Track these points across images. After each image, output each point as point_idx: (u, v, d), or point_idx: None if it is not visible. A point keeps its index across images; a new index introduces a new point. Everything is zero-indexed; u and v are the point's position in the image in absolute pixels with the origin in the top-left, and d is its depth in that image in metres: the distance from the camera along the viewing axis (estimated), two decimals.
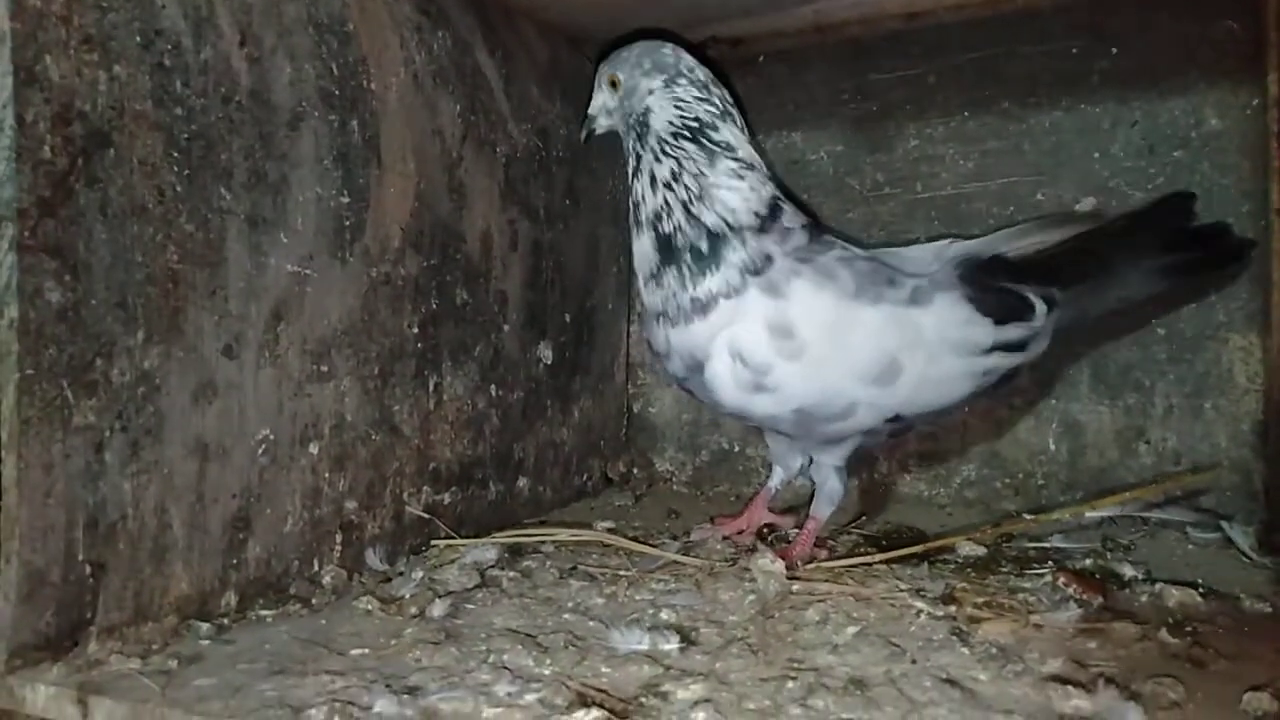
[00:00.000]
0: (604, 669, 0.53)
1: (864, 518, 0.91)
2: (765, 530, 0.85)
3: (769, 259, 0.73)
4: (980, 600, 0.62)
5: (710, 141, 0.75)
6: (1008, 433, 0.95)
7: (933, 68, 0.96)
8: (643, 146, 0.77)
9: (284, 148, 0.68)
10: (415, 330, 0.80)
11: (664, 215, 0.75)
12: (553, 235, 0.98)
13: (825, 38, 0.99)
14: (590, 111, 0.83)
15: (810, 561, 0.74)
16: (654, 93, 0.76)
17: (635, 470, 1.13)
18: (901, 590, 0.65)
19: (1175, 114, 0.87)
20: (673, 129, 0.75)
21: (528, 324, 0.94)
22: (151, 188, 0.59)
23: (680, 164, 0.75)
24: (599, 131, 0.83)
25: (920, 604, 0.62)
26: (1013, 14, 0.91)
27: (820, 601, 0.64)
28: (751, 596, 0.66)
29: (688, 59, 0.78)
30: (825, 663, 0.54)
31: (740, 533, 0.85)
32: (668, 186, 0.75)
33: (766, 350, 0.72)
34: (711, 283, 0.73)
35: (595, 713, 0.45)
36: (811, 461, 0.83)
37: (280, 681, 0.52)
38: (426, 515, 0.81)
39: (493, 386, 0.90)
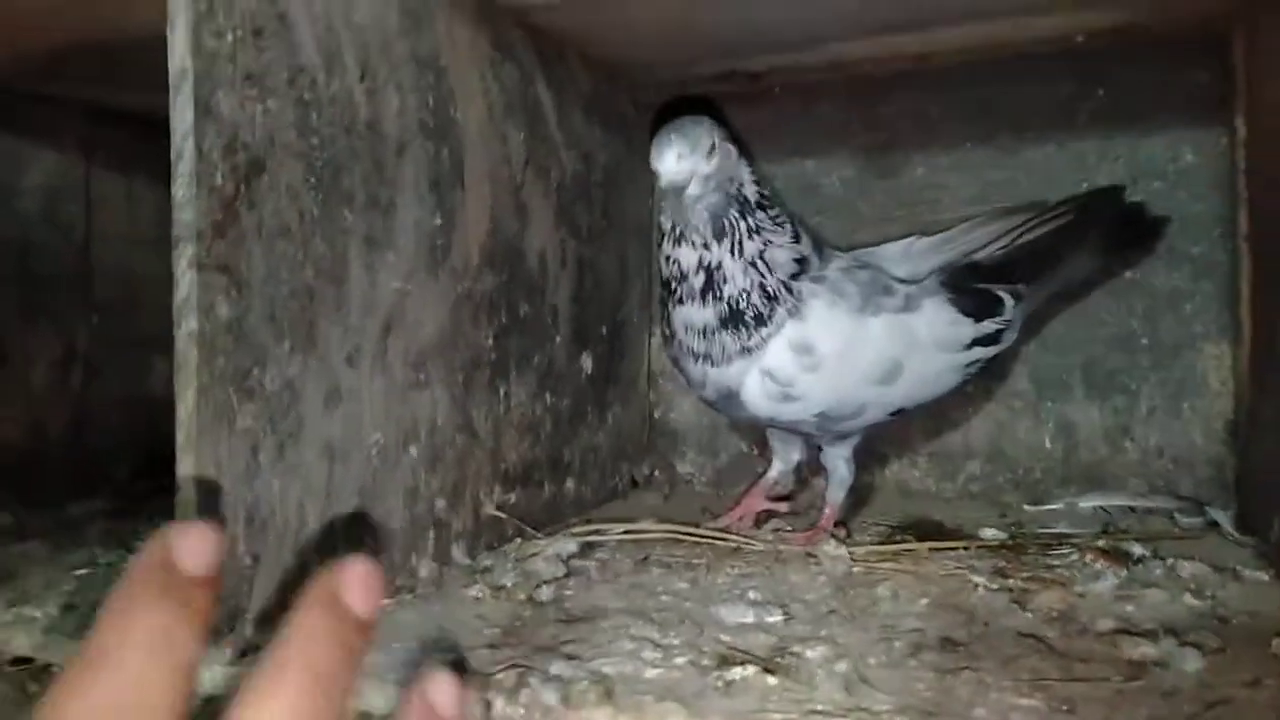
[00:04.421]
0: (724, 637, 0.60)
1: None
2: (763, 516, 0.95)
3: (801, 295, 0.81)
4: (1025, 575, 0.72)
5: (768, 201, 0.82)
6: (1009, 432, 1.05)
7: (937, 103, 1.06)
8: (740, 222, 0.78)
9: (392, 173, 0.73)
10: (490, 341, 0.86)
11: (745, 295, 0.79)
12: (592, 252, 1.05)
13: (839, 74, 1.08)
14: (678, 178, 0.76)
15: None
16: (736, 160, 0.80)
17: (657, 473, 1.20)
18: (957, 569, 0.74)
19: (1155, 150, 0.99)
20: (757, 197, 0.80)
21: (574, 336, 1.01)
22: (294, 211, 0.64)
23: (764, 238, 0.79)
24: (692, 198, 0.77)
25: (977, 579, 0.71)
26: (1012, 58, 1.01)
27: (885, 580, 0.73)
28: (822, 577, 0.74)
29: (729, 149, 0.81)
30: (913, 626, 0.62)
31: (740, 519, 0.94)
32: (753, 265, 0.78)
33: (792, 367, 0.81)
34: (761, 334, 0.80)
35: (750, 668, 0.52)
36: (820, 451, 0.92)
37: (443, 656, 0.57)
38: (501, 514, 0.87)
39: (547, 394, 0.96)
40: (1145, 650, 0.56)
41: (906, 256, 0.89)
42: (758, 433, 1.15)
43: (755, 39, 1.00)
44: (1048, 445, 1.04)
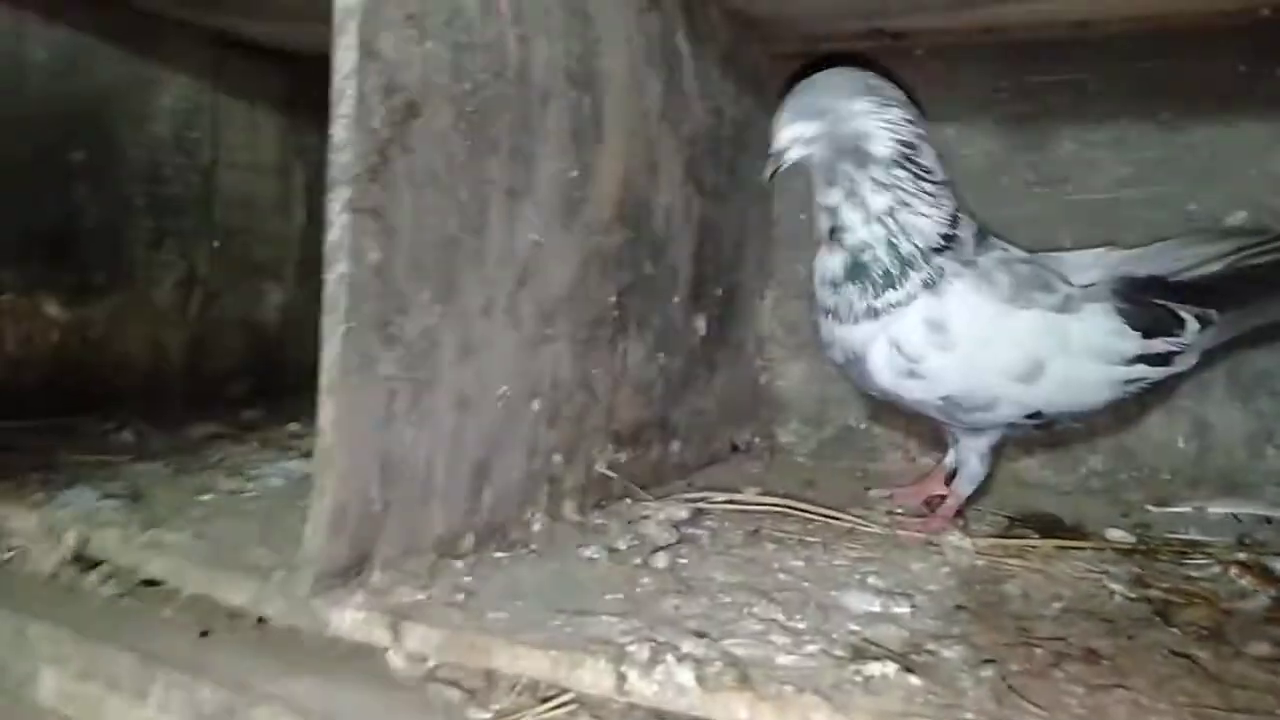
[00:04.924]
0: (853, 626, 0.59)
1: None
2: (935, 501, 0.90)
3: (942, 271, 0.78)
4: (1165, 585, 0.68)
5: (917, 166, 0.78)
6: (1136, 428, 1.00)
7: (1094, 74, 1.00)
8: (860, 174, 0.77)
9: (536, 123, 0.72)
10: (613, 299, 0.85)
11: (867, 247, 0.78)
12: (714, 211, 1.02)
13: (988, 38, 1.02)
14: (778, 145, 0.80)
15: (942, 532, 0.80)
16: (869, 115, 0.77)
17: (758, 439, 1.19)
18: (1089, 571, 0.71)
19: None
20: (890, 155, 0.77)
21: (690, 297, 0.99)
22: (443, 158, 0.63)
23: (895, 195, 0.77)
24: (788, 163, 0.80)
25: (1114, 586, 0.68)
26: (1182, 30, 0.94)
27: (1013, 577, 0.70)
28: (945, 569, 0.72)
29: (888, 83, 0.80)
30: (1050, 632, 0.59)
31: (924, 502, 0.91)
32: (880, 220, 0.77)
33: (921, 341, 0.78)
34: (890, 296, 0.78)
35: (890, 664, 0.50)
36: (956, 443, 0.89)
37: (569, 619, 0.57)
38: (611, 474, 0.86)
39: (661, 354, 0.95)
40: None
41: (1095, 265, 0.82)
42: (871, 407, 1.12)
43: None
44: (1181, 445, 0.99)
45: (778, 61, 1.09)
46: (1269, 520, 0.92)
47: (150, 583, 0.66)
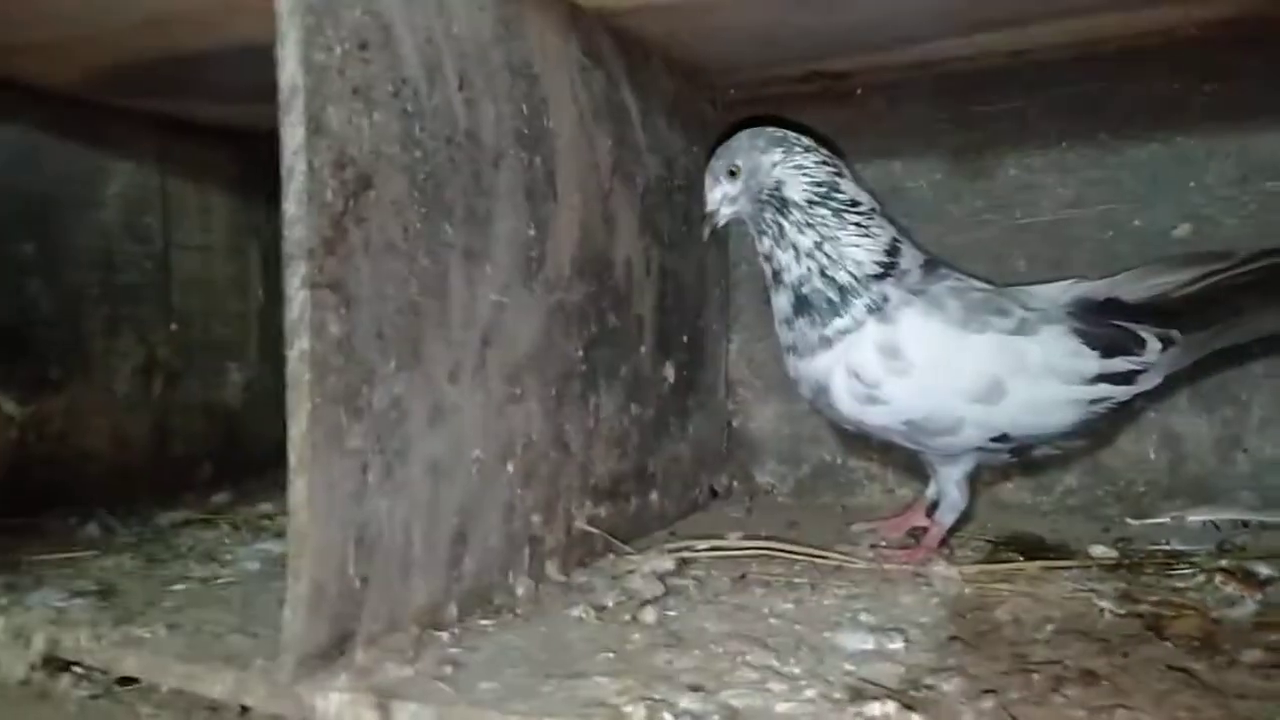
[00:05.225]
0: (848, 666, 0.58)
1: None
2: (919, 531, 0.90)
3: (886, 298, 0.81)
4: (1154, 599, 0.68)
5: (838, 202, 0.82)
6: (1108, 444, 1.01)
7: (1032, 101, 1.03)
8: (785, 219, 0.83)
9: (489, 184, 0.72)
10: (580, 353, 0.84)
11: (805, 281, 0.82)
12: (673, 260, 1.03)
13: (927, 72, 1.05)
14: (709, 207, 0.87)
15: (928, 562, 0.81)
16: (778, 165, 0.83)
17: (736, 483, 1.18)
18: (1077, 590, 0.71)
19: (1267, 147, 0.94)
20: (806, 195, 0.82)
21: (658, 345, 0.99)
22: (399, 225, 0.63)
23: (819, 231, 0.82)
24: (721, 223, 0.88)
25: (1102, 603, 0.68)
26: (1113, 53, 0.97)
27: (1002, 603, 0.70)
28: (935, 599, 0.72)
29: (792, 132, 0.85)
30: (1046, 656, 0.59)
31: (906, 533, 0.92)
32: (810, 255, 0.82)
33: (876, 367, 0.80)
34: (837, 323, 0.82)
35: (889, 704, 0.50)
36: (937, 473, 0.89)
37: (561, 684, 0.56)
38: (593, 529, 0.85)
39: (633, 405, 0.94)
40: None
41: (1061, 295, 0.84)
42: (845, 441, 1.12)
43: (843, 40, 0.97)
44: (1151, 456, 1.00)
45: (721, 109, 1.11)
46: (1246, 524, 0.93)
47: (126, 681, 0.64)
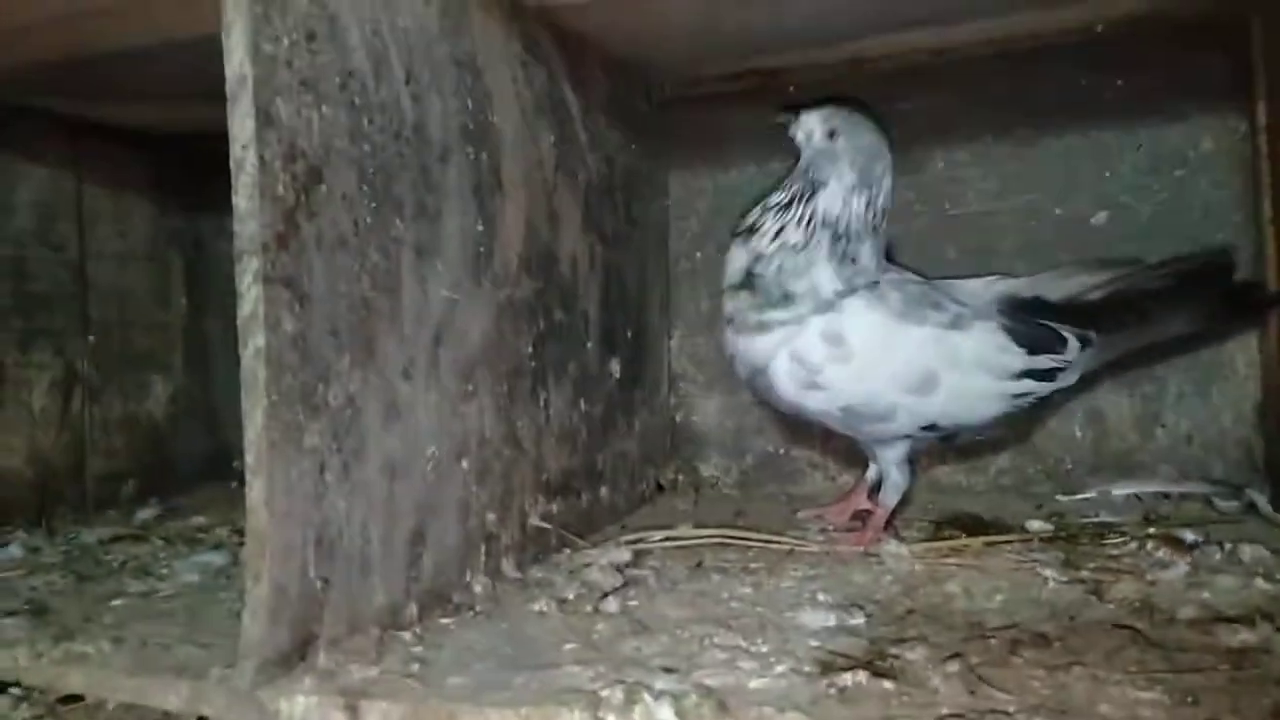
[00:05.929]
0: (813, 642, 0.59)
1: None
2: (862, 515, 0.93)
3: (831, 304, 0.83)
4: (1093, 566, 0.72)
5: (842, 245, 0.84)
6: (1037, 424, 1.05)
7: (955, 97, 1.07)
8: (798, 202, 0.84)
9: (438, 180, 0.71)
10: (530, 350, 0.84)
11: (763, 261, 0.83)
12: (617, 256, 1.03)
13: (858, 70, 1.08)
14: (799, 125, 0.85)
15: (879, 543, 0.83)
16: (840, 180, 0.83)
17: (681, 477, 1.19)
18: (1021, 563, 0.74)
19: (1175, 137, 1.00)
20: (826, 218, 0.83)
21: (603, 341, 1.00)
22: (350, 221, 0.62)
23: (808, 243, 0.83)
24: (792, 134, 0.86)
25: (1046, 572, 0.71)
26: (1029, 51, 1.01)
27: (952, 576, 0.72)
28: (887, 577, 0.74)
29: (890, 176, 0.86)
30: (999, 622, 0.61)
31: (850, 517, 0.94)
32: (783, 250, 0.83)
33: (819, 353, 0.83)
34: (777, 315, 0.83)
35: (860, 672, 0.51)
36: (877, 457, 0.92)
37: (533, 675, 0.55)
38: (546, 525, 0.85)
39: (581, 401, 0.94)
40: (1244, 637, 0.55)
41: (985, 291, 0.87)
42: (787, 431, 1.14)
43: (776, 38, 0.99)
44: (1077, 435, 1.05)
45: (655, 106, 1.13)
46: (1167, 496, 0.98)
47: (71, 699, 0.61)
